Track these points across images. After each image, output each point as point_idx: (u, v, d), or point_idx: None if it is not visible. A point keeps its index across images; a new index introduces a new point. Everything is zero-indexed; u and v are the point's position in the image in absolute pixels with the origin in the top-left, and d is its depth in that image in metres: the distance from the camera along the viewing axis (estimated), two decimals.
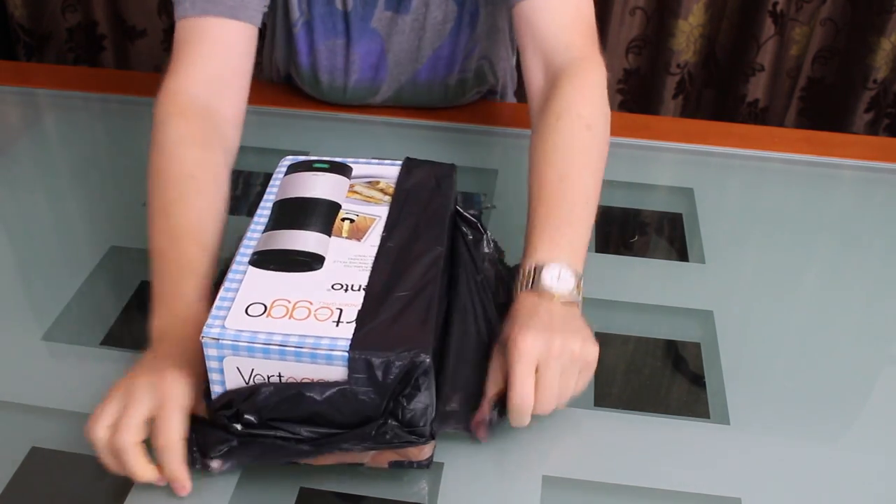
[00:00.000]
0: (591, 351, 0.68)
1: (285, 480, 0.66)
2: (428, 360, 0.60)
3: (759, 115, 1.82)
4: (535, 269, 0.71)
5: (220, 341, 0.61)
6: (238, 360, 0.61)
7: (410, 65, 1.07)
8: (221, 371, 0.62)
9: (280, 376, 0.61)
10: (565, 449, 0.69)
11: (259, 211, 0.73)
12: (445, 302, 0.73)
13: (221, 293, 0.64)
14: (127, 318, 0.81)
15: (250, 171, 1.02)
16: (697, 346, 0.80)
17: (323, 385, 0.60)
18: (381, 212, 0.73)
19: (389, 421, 0.61)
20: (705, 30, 1.76)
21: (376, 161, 0.80)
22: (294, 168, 0.78)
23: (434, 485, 0.65)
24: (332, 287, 0.65)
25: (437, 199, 0.74)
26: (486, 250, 0.80)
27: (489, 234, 0.81)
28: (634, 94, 1.88)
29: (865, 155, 1.08)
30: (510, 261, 0.81)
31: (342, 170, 0.78)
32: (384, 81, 1.09)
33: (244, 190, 0.99)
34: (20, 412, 0.71)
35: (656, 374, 0.78)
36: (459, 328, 0.73)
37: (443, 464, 0.67)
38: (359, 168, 0.78)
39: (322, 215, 0.72)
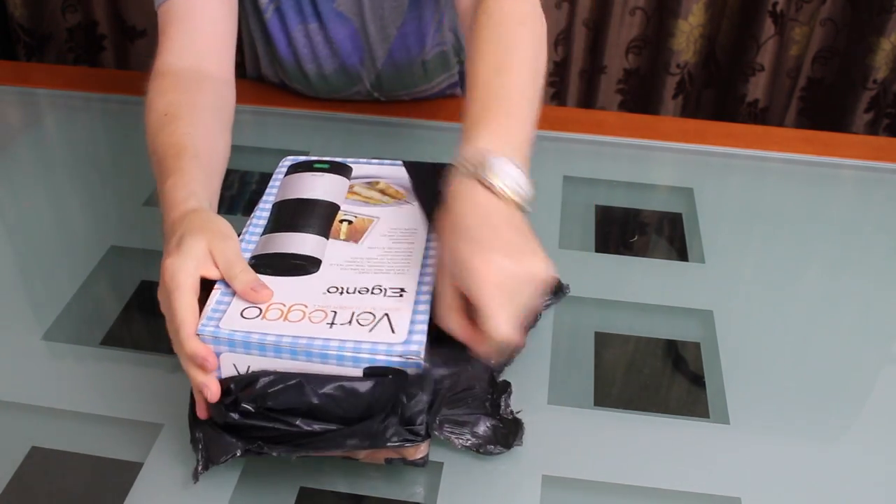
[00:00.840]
0: (551, 273, 0.61)
1: (285, 480, 0.66)
2: (425, 362, 0.60)
3: (759, 115, 1.82)
4: (479, 154, 0.62)
5: (217, 338, 0.61)
6: (234, 356, 0.61)
7: (382, 45, 1.07)
8: (218, 368, 0.62)
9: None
10: (565, 449, 0.69)
11: (258, 212, 0.73)
12: None
13: (217, 297, 0.64)
14: (127, 318, 0.81)
15: (251, 170, 1.02)
16: (697, 346, 0.80)
17: (324, 378, 0.60)
18: (380, 212, 0.73)
19: (390, 418, 0.61)
20: (705, 30, 1.76)
21: (376, 161, 0.80)
22: (294, 168, 0.78)
23: (434, 485, 0.66)
24: (328, 291, 0.65)
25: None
26: None
27: None
28: (634, 94, 1.88)
29: (865, 155, 1.08)
30: None
31: (342, 170, 0.78)
32: (363, 66, 1.09)
33: (243, 189, 0.99)
34: (20, 412, 0.71)
35: (656, 374, 0.78)
36: None
37: (442, 464, 0.67)
38: (358, 168, 0.79)
39: (320, 217, 0.72)
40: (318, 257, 0.68)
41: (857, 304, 0.85)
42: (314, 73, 1.10)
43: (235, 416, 0.61)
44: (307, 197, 0.74)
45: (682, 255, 0.91)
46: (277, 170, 0.78)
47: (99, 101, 1.14)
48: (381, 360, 0.60)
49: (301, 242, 0.69)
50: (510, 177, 0.63)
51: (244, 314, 0.62)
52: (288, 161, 0.79)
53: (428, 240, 0.70)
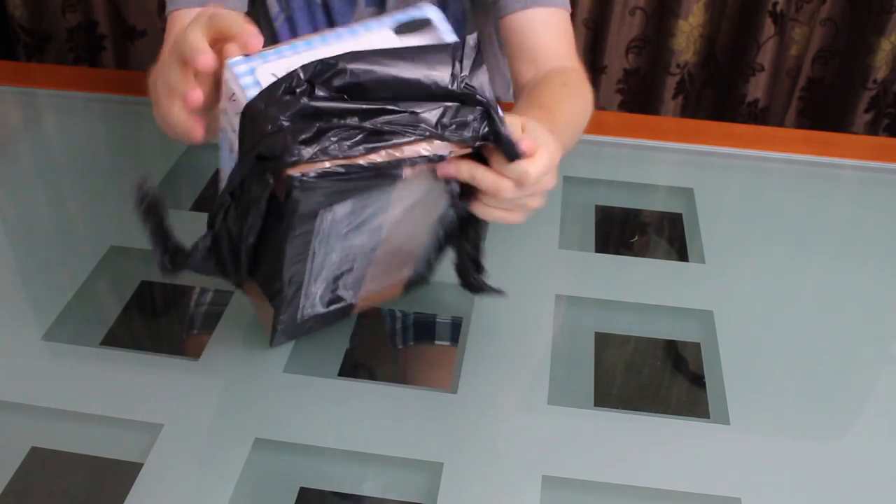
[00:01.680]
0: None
1: (285, 480, 0.66)
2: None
3: (759, 115, 1.82)
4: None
5: (250, 57, 0.60)
6: (270, 66, 0.60)
7: None
8: (258, 83, 0.59)
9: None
10: (565, 449, 0.69)
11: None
12: None
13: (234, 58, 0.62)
14: (127, 318, 0.81)
15: None
16: (697, 346, 0.80)
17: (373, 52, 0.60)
18: None
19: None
20: (705, 30, 1.76)
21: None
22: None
23: (434, 485, 0.66)
24: None
25: None
26: None
27: None
28: (634, 94, 1.88)
29: (865, 155, 1.08)
30: (512, 261, 0.81)
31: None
32: None
33: None
34: (20, 412, 0.71)
35: (656, 374, 0.78)
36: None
37: (442, 464, 0.67)
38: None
39: None
40: None
41: (857, 304, 0.85)
42: None
43: (316, 101, 0.58)
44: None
45: (682, 255, 0.91)
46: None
47: (99, 101, 1.14)
48: (401, 16, 0.62)
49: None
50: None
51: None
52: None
53: None
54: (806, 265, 0.90)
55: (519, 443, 0.69)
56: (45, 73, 1.24)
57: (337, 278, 0.72)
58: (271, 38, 1.09)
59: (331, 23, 1.04)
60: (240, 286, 0.72)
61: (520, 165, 0.65)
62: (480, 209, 0.69)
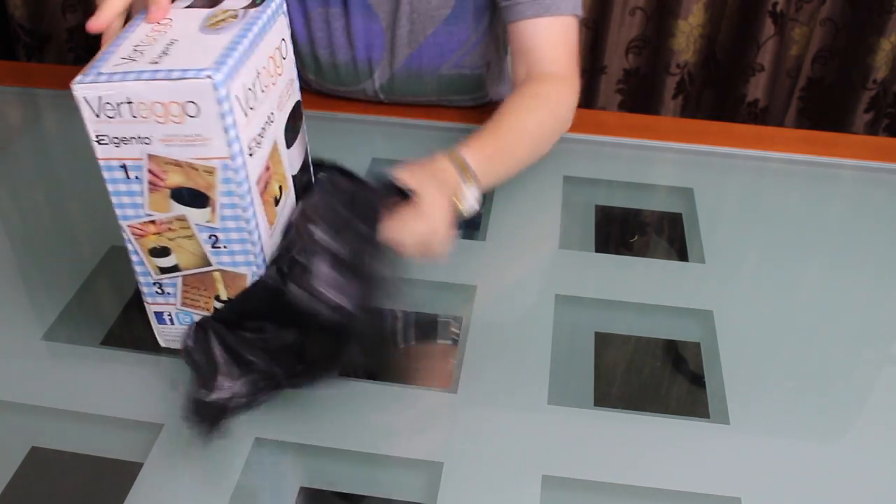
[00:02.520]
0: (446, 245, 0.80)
1: (285, 480, 0.66)
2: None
3: (759, 115, 1.82)
4: (466, 169, 0.86)
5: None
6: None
7: (404, 48, 1.07)
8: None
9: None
10: (565, 449, 0.69)
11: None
12: None
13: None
14: (127, 318, 0.81)
15: None
16: (697, 346, 0.80)
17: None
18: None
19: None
20: (705, 30, 1.76)
21: None
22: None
23: (434, 485, 0.66)
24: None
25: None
26: None
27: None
28: (634, 94, 1.88)
29: (865, 155, 1.08)
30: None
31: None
32: (378, 64, 1.09)
33: None
34: (20, 412, 0.71)
35: (656, 374, 0.78)
36: None
37: (442, 464, 0.67)
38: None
39: None
40: None
41: (857, 304, 0.85)
42: (326, 59, 1.10)
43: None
44: None
45: (682, 255, 0.91)
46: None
47: None
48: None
49: None
50: (471, 205, 0.86)
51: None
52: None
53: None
54: (806, 265, 0.90)
55: (519, 443, 0.69)
56: (45, 73, 1.24)
57: None
58: None
59: (344, 1, 1.04)
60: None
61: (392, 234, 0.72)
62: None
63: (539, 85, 1.00)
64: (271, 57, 0.66)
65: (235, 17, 0.66)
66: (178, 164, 0.62)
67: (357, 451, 0.68)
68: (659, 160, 1.07)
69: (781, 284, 0.87)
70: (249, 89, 0.62)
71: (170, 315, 0.72)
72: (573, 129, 1.06)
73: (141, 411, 0.70)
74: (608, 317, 0.83)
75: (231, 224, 0.64)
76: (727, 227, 0.95)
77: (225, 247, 0.66)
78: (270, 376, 0.67)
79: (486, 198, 0.98)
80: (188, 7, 0.68)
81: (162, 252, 0.67)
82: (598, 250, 0.91)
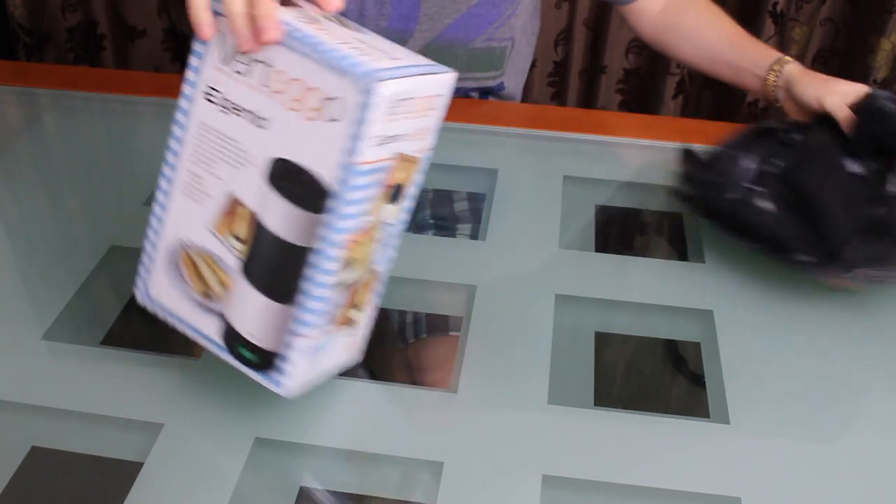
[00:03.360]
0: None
1: (285, 480, 0.66)
2: None
3: (759, 115, 1.82)
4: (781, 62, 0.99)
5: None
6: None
7: (443, 19, 1.05)
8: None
9: (267, 63, 0.54)
10: (565, 449, 0.69)
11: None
12: None
13: None
14: (127, 318, 0.81)
15: None
16: (697, 346, 0.80)
17: None
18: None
19: None
20: None
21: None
22: None
23: (434, 485, 0.66)
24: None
25: None
26: None
27: None
28: (634, 94, 1.88)
29: None
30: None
31: None
32: (412, 35, 1.07)
33: None
34: (20, 412, 0.71)
35: (656, 374, 0.78)
36: None
37: (442, 464, 0.67)
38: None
39: None
40: None
41: (856, 304, 0.85)
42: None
43: None
44: None
45: (682, 255, 0.91)
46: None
47: (99, 101, 1.14)
48: (351, 73, 0.55)
49: None
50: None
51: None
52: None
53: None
54: None
55: (519, 443, 0.69)
56: (45, 73, 1.24)
57: None
58: None
59: None
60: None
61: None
62: None
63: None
64: None
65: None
66: (408, 160, 0.59)
67: (357, 451, 0.68)
68: (659, 160, 1.07)
69: (781, 284, 0.87)
70: None
71: (311, 348, 0.63)
72: (573, 128, 1.06)
73: (141, 411, 0.70)
74: (608, 317, 0.83)
75: (403, 216, 0.63)
76: None
77: (384, 245, 0.63)
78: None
79: (486, 198, 0.98)
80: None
81: (348, 264, 0.61)
82: (598, 250, 0.91)
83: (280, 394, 0.64)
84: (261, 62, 0.56)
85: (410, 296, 0.82)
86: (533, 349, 0.77)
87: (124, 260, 0.88)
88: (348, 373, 0.74)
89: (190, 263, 0.65)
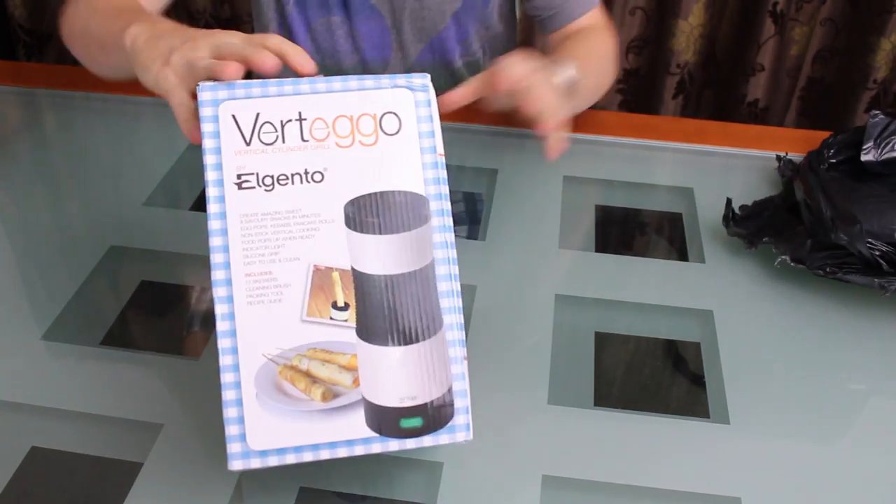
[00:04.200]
0: None
1: (285, 480, 0.66)
2: None
3: (759, 115, 1.82)
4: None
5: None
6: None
7: (416, 44, 1.07)
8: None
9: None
10: (565, 449, 0.69)
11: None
12: None
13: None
14: (127, 318, 0.81)
15: None
16: (697, 346, 0.80)
17: None
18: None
19: None
20: (705, 30, 1.76)
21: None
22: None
23: (434, 485, 0.66)
24: None
25: None
26: None
27: None
28: (634, 94, 1.88)
29: None
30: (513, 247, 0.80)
31: None
32: (390, 62, 1.09)
33: None
34: (20, 412, 0.71)
35: (656, 374, 0.78)
36: None
37: (442, 464, 0.67)
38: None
39: None
40: None
41: (857, 304, 0.85)
42: (332, 68, 1.09)
43: None
44: None
45: (682, 255, 0.91)
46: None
47: (99, 101, 1.14)
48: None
49: None
50: (564, 71, 0.87)
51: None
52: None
53: None
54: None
55: (519, 443, 0.69)
56: (45, 73, 1.24)
57: None
58: (279, 23, 1.08)
59: (344, 6, 1.04)
60: None
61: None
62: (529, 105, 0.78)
63: (582, 31, 1.03)
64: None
65: None
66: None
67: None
68: (659, 160, 1.07)
69: (781, 284, 0.87)
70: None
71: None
72: (573, 128, 1.06)
73: (141, 411, 0.70)
74: (608, 317, 0.83)
75: None
76: None
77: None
78: None
79: (486, 198, 0.98)
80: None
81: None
82: (598, 250, 0.91)
83: (467, 439, 0.59)
84: (291, 121, 0.53)
85: None
86: (533, 349, 0.77)
87: (124, 260, 0.88)
88: None
89: (294, 374, 0.57)
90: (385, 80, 0.54)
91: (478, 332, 0.79)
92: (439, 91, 1.11)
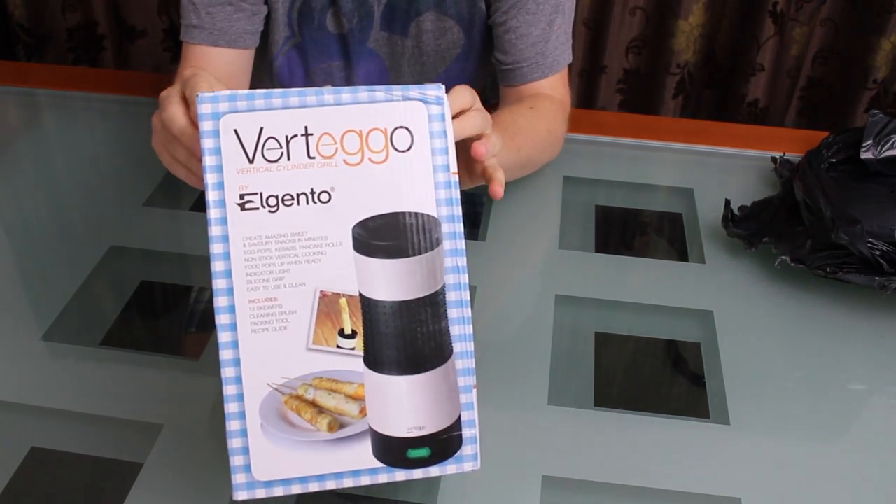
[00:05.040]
0: None
1: None
2: None
3: (759, 115, 1.82)
4: None
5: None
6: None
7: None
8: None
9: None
10: (565, 449, 0.69)
11: None
12: None
13: None
14: (127, 318, 0.81)
15: None
16: (697, 346, 0.80)
17: None
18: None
19: None
20: (705, 30, 1.76)
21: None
22: None
23: (434, 485, 0.66)
24: None
25: None
26: None
27: None
28: (634, 94, 1.88)
29: None
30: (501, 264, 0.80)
31: None
32: None
33: None
34: (20, 412, 0.71)
35: (656, 374, 0.78)
36: None
37: None
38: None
39: None
40: None
41: (856, 304, 0.85)
42: None
43: None
44: None
45: (682, 255, 0.91)
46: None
47: (99, 101, 1.14)
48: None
49: None
50: None
51: None
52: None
53: None
54: None
55: (519, 443, 0.69)
56: (45, 73, 1.24)
57: None
58: (268, 73, 1.08)
59: (345, 51, 1.03)
60: None
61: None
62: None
63: (534, 100, 0.97)
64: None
65: None
66: None
67: None
68: (659, 160, 1.07)
69: (781, 284, 0.87)
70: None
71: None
72: (573, 128, 1.06)
73: (141, 411, 0.70)
74: (608, 317, 0.83)
75: None
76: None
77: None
78: None
79: (486, 198, 0.98)
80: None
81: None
82: (598, 250, 0.91)
83: (474, 469, 0.59)
84: (297, 136, 0.51)
85: None
86: (533, 349, 0.77)
87: (124, 260, 0.88)
88: None
89: (299, 404, 0.55)
90: (397, 91, 0.52)
91: (478, 332, 0.79)
92: None
